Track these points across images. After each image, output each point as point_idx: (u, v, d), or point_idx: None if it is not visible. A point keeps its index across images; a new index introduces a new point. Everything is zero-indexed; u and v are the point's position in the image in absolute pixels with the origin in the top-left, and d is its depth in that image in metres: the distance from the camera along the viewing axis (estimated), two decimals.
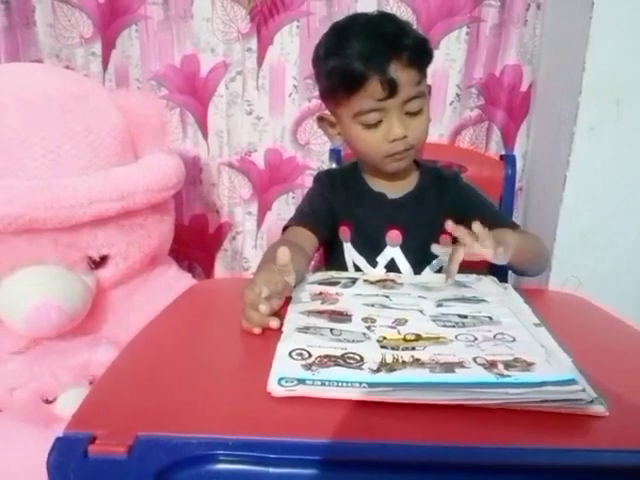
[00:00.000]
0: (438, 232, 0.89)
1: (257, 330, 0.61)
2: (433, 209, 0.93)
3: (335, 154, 1.24)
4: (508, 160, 1.21)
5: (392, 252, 0.92)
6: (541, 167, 1.30)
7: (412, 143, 0.85)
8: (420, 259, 0.91)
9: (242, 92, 1.36)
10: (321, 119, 0.92)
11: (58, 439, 0.43)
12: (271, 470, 0.41)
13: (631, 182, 1.12)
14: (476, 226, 0.70)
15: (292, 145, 1.39)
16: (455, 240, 0.80)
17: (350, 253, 0.95)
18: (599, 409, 0.45)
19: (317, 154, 1.39)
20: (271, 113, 1.37)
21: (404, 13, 1.25)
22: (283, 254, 0.66)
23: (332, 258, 0.98)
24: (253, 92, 1.35)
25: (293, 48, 1.31)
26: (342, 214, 0.94)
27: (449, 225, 0.71)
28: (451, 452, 0.42)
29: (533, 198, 1.33)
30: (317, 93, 1.30)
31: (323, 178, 0.99)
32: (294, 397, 0.47)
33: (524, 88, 1.31)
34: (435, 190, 0.94)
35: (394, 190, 0.94)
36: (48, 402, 0.93)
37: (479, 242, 0.70)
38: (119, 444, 0.42)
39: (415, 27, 0.88)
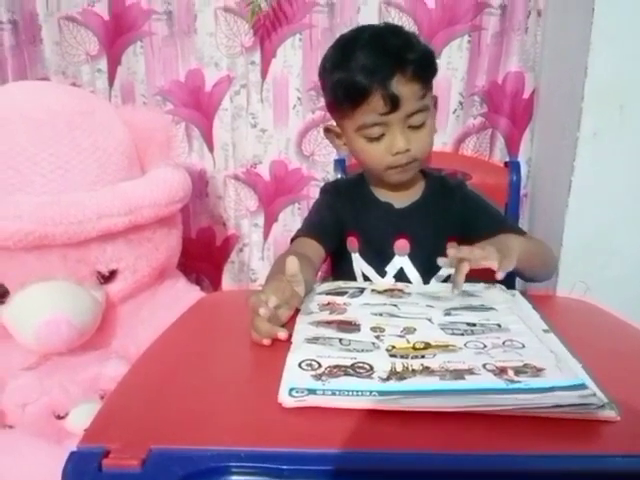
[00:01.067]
0: (446, 240, 0.89)
1: (266, 341, 0.61)
2: (440, 217, 0.93)
3: (340, 164, 1.24)
4: (512, 167, 1.22)
5: (401, 261, 0.92)
6: (546, 173, 1.30)
7: (415, 156, 0.85)
8: (429, 267, 0.91)
9: (246, 105, 1.37)
10: (327, 130, 0.93)
11: (72, 453, 0.44)
12: None
13: (636, 186, 1.12)
14: (465, 252, 0.71)
15: (297, 156, 1.40)
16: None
17: (358, 263, 0.95)
18: (610, 414, 0.45)
19: (322, 165, 1.40)
20: (275, 125, 1.38)
21: (406, 23, 1.26)
22: (292, 264, 0.67)
23: (341, 269, 0.98)
24: (257, 105, 1.37)
25: (296, 60, 1.33)
26: (349, 225, 0.95)
27: (451, 251, 0.71)
28: (462, 460, 0.42)
29: (538, 204, 1.33)
30: (321, 105, 1.33)
31: (329, 189, 1.00)
32: (305, 407, 0.47)
33: (527, 95, 1.31)
34: (441, 198, 0.94)
35: (400, 200, 0.94)
36: (59, 417, 0.93)
37: (483, 259, 0.71)
38: (132, 457, 0.42)
39: (421, 39, 0.87)
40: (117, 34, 1.34)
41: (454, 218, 0.92)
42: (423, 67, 0.82)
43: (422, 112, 0.83)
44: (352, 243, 0.95)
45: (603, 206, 1.13)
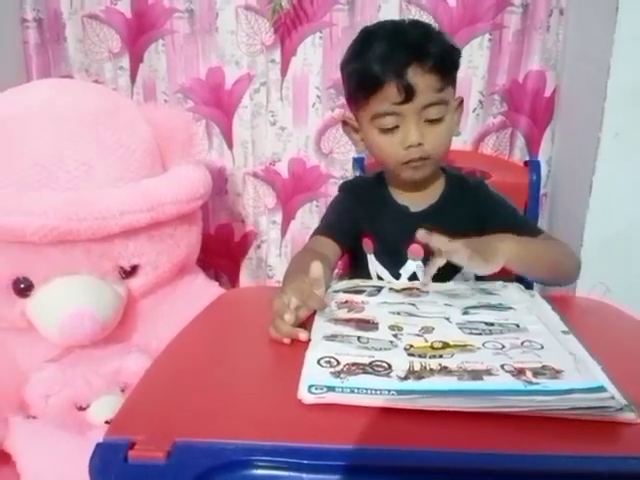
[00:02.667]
0: None
1: (286, 340, 0.62)
2: (456, 220, 0.90)
3: (358, 162, 1.25)
4: (533, 166, 1.20)
5: (414, 266, 0.91)
6: (566, 173, 1.29)
7: (429, 152, 0.83)
8: (442, 271, 0.90)
9: (266, 103, 1.38)
10: (345, 123, 0.93)
11: (99, 445, 0.45)
12: (305, 476, 0.42)
13: None
14: (435, 240, 0.70)
15: (315, 154, 1.41)
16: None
17: (373, 264, 0.95)
18: (630, 416, 0.45)
19: (340, 163, 1.40)
20: (295, 123, 1.39)
21: (426, 21, 1.26)
22: (317, 268, 0.67)
23: (357, 268, 0.99)
24: (277, 103, 1.37)
25: (316, 59, 1.33)
26: (365, 225, 0.94)
27: (420, 234, 0.70)
28: (480, 459, 0.43)
29: (558, 204, 1.32)
30: (340, 103, 1.33)
31: (347, 188, 1.00)
32: (324, 404, 0.48)
33: (548, 94, 1.30)
34: (459, 200, 0.93)
35: (417, 202, 0.93)
36: (81, 409, 0.95)
37: (452, 254, 0.70)
38: (158, 449, 0.43)
39: (446, 35, 0.87)
40: (139, 32, 1.36)
41: (471, 219, 0.90)
42: (442, 60, 0.80)
43: (439, 106, 0.82)
44: (367, 244, 0.95)
45: (624, 207, 1.12)
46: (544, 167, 1.30)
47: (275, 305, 0.63)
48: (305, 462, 0.42)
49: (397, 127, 0.82)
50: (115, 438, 0.45)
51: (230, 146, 1.43)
